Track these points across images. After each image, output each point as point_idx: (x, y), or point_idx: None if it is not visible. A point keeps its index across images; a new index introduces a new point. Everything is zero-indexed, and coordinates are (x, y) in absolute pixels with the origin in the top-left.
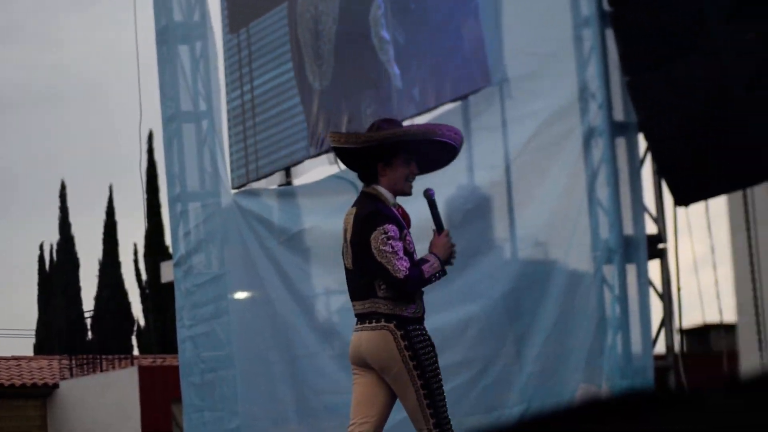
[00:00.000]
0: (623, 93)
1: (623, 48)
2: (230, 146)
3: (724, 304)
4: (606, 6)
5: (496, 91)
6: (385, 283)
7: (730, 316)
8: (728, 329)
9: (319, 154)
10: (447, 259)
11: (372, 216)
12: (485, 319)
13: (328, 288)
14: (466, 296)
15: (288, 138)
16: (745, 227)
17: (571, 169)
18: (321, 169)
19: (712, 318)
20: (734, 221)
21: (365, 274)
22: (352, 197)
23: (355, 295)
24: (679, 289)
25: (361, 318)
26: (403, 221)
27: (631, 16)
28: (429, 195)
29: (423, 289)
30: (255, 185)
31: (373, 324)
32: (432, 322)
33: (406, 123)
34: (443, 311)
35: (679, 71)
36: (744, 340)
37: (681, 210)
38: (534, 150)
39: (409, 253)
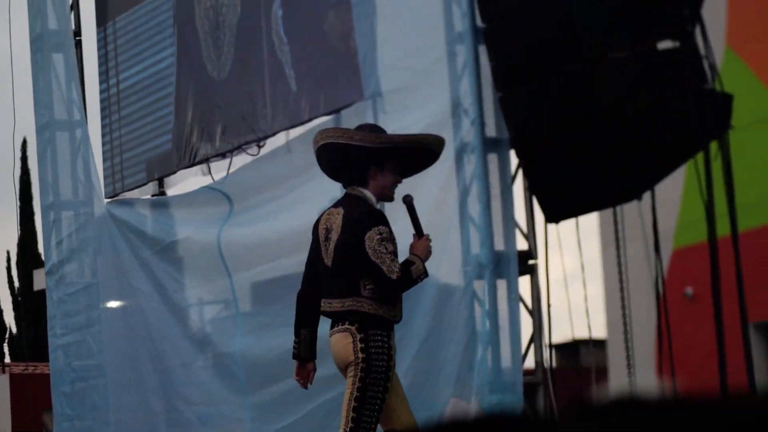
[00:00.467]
0: (495, 109)
1: (496, 64)
2: (102, 144)
3: (594, 320)
4: (479, 22)
5: (369, 104)
6: (376, 283)
7: (600, 332)
8: (598, 345)
9: (191, 165)
10: (426, 261)
11: (366, 216)
12: None
13: (202, 298)
14: None
15: (152, 132)
16: (615, 244)
17: (443, 184)
18: (194, 179)
19: (582, 333)
20: (605, 237)
21: (350, 274)
22: (225, 208)
23: (333, 293)
24: (549, 305)
25: (335, 318)
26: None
27: (504, 32)
28: (408, 201)
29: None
30: (128, 195)
31: (340, 326)
32: None
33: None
34: (319, 325)
35: (551, 88)
36: (613, 355)
37: (552, 226)
38: None
39: (396, 254)
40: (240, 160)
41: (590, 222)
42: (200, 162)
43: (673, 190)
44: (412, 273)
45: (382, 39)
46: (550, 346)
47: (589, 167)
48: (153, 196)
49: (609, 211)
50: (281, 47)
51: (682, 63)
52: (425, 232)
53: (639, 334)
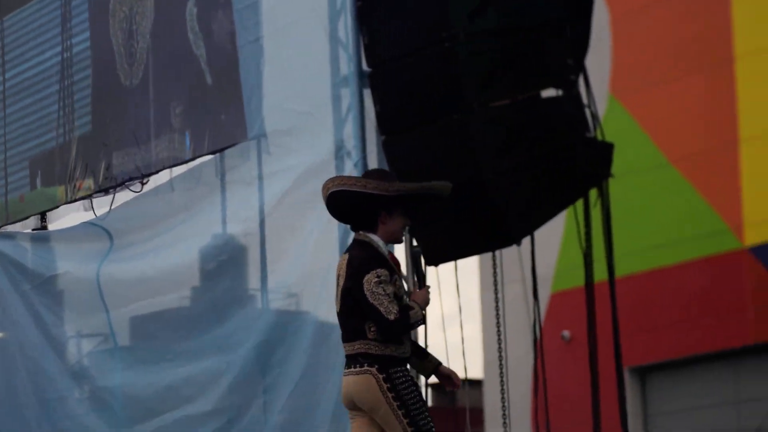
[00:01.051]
0: (379, 152)
1: (380, 108)
2: None
3: (471, 360)
4: (365, 66)
5: (253, 145)
6: (375, 325)
7: (477, 372)
8: (474, 385)
9: (73, 201)
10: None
11: (366, 261)
12: (239, 369)
13: (80, 331)
14: (221, 346)
15: (36, 130)
16: (493, 287)
17: (325, 225)
18: (76, 215)
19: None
20: (484, 280)
21: (355, 317)
22: (106, 244)
23: (345, 337)
24: (426, 346)
25: (349, 360)
26: (393, 266)
27: (389, 77)
28: (416, 251)
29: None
30: (10, 228)
31: (358, 369)
32: (187, 371)
33: None
34: (198, 360)
35: (433, 134)
36: (489, 396)
37: (432, 268)
38: (288, 205)
39: (398, 296)
40: (123, 196)
41: (470, 264)
42: (83, 198)
43: (553, 235)
44: (410, 317)
45: (268, 80)
46: (427, 385)
47: (467, 214)
48: (34, 230)
49: (488, 254)
50: (197, 42)
51: (565, 111)
52: (308, 270)
53: (516, 374)
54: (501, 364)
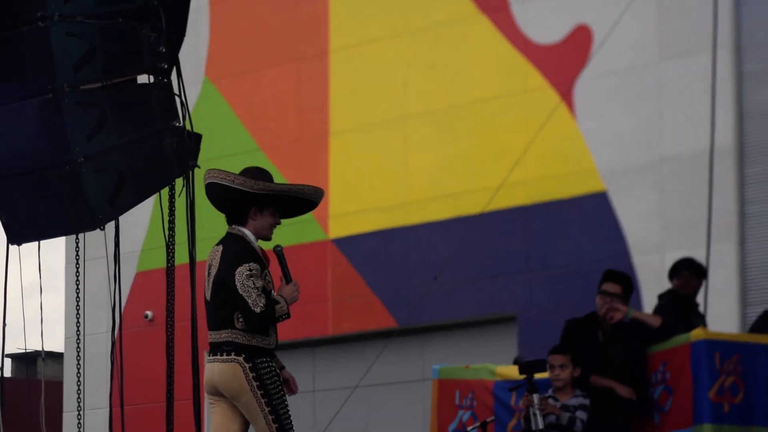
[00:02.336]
0: None
1: None
2: None
3: (55, 333)
4: None
5: None
6: (243, 314)
7: (58, 346)
8: (56, 357)
9: None
10: (291, 304)
11: (239, 253)
12: None
13: None
14: None
15: None
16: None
17: None
18: None
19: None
20: (69, 254)
21: (225, 306)
22: None
23: (212, 325)
24: (4, 315)
25: (215, 348)
26: (264, 261)
27: None
28: (278, 250)
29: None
30: None
31: (224, 357)
32: None
33: None
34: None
35: (24, 114)
36: (69, 370)
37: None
38: None
39: (266, 291)
40: None
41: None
42: None
43: (143, 214)
44: (276, 311)
45: None
46: (3, 356)
47: (51, 196)
48: None
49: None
50: None
51: (155, 99)
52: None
53: (96, 350)
54: (78, 339)
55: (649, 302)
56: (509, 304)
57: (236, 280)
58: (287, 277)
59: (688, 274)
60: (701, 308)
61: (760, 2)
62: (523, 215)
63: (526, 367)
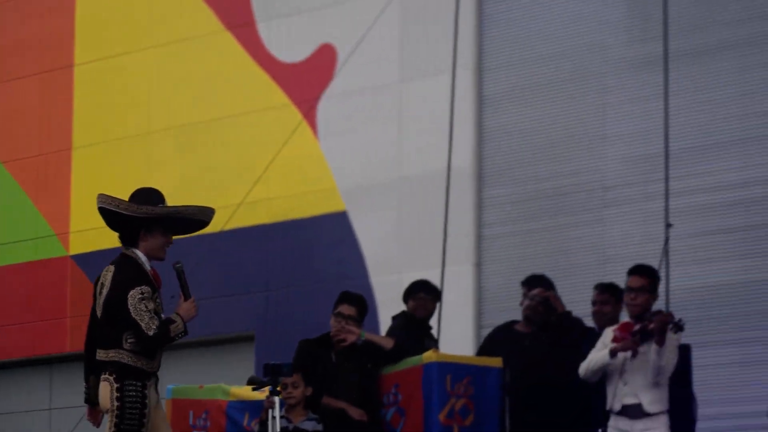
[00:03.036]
0: None
1: None
2: None
3: None
4: None
5: None
6: (135, 338)
7: None
8: None
9: None
10: (189, 321)
11: (130, 276)
12: None
13: None
14: None
15: None
16: None
17: None
18: None
19: None
20: None
21: (114, 327)
22: None
23: (101, 344)
24: None
25: (101, 366)
26: (155, 283)
27: None
28: (178, 267)
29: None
30: None
31: (105, 375)
32: None
33: None
34: None
35: None
36: None
37: None
38: None
39: (158, 312)
40: None
41: None
42: None
43: None
44: (171, 331)
45: None
46: None
47: None
48: None
49: None
50: None
51: None
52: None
53: None
54: None
55: (387, 322)
56: (247, 323)
57: (129, 303)
58: (186, 294)
59: (424, 296)
60: (434, 330)
61: (503, 25)
62: (264, 233)
63: (272, 369)
